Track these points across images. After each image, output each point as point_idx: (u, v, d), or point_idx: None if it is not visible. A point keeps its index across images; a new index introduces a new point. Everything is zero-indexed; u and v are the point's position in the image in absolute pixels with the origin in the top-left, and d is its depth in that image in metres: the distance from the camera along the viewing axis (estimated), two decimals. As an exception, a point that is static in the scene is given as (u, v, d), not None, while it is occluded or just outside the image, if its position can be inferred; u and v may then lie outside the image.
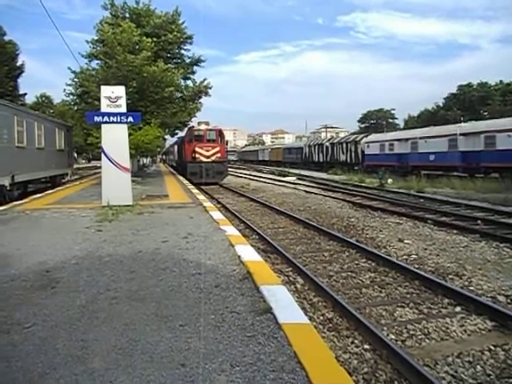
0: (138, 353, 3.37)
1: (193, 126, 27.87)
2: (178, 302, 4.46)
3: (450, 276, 6.72)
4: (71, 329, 3.82)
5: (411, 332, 4.72)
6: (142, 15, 24.89)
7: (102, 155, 12.15)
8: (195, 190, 17.94)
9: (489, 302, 5.33)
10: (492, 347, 4.29)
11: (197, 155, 25.60)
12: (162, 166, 58.49)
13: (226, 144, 28.28)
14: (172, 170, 41.55)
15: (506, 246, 8.63)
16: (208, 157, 25.71)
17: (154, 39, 23.79)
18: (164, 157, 78.79)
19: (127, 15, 25.34)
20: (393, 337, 4.60)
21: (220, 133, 26.97)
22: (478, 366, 3.95)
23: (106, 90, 12.32)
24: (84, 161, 74.76)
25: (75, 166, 37.25)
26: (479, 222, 11.45)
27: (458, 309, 5.32)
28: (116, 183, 11.91)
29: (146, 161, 56.61)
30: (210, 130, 26.69)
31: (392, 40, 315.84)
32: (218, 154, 26.08)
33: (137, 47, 22.58)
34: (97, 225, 9.19)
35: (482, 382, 3.70)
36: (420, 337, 4.61)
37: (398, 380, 3.75)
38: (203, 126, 26.70)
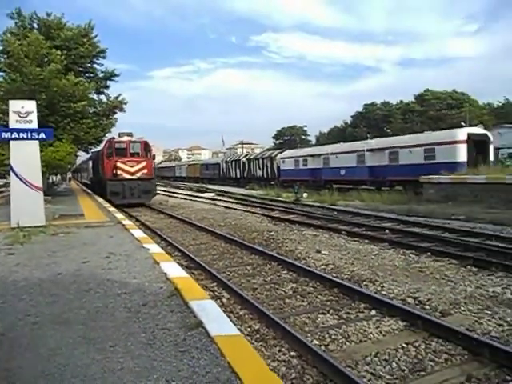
0: (69, 377, 3.28)
1: (113, 138, 24.22)
2: (106, 323, 4.38)
3: (365, 282, 7.22)
4: (-9, 358, 3.61)
5: (333, 336, 5.03)
6: (52, 27, 23.83)
7: (11, 173, 11.44)
8: (112, 208, 17.39)
9: (399, 305, 5.84)
10: (404, 345, 4.72)
11: (119, 171, 22.29)
12: (73, 184, 55.71)
13: (154, 158, 24.97)
14: (85, 188, 39.68)
15: (412, 253, 9.43)
16: (132, 173, 22.60)
17: (65, 52, 22.88)
18: (74, 174, 74.96)
19: (35, 26, 24.15)
20: (316, 342, 4.88)
21: (146, 145, 23.90)
22: (394, 363, 4.33)
23: (15, 105, 11.63)
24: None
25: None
26: (387, 231, 12.36)
27: (373, 312, 5.76)
28: (27, 203, 11.24)
29: (56, 179, 53.60)
30: (134, 142, 23.53)
31: (303, 60, 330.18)
32: (145, 170, 22.99)
33: (45, 60, 21.58)
34: (7, 248, 8.63)
35: (398, 377, 4.07)
36: (341, 340, 4.93)
37: (324, 382, 4.00)
38: (126, 138, 23.41)
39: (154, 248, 8.45)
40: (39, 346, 3.85)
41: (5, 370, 3.40)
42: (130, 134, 23.82)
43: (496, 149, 32.04)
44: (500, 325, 5.24)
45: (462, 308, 5.87)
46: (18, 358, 3.63)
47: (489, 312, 5.68)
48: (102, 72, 27.43)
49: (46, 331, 4.21)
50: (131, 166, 22.68)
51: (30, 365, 3.49)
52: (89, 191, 32.62)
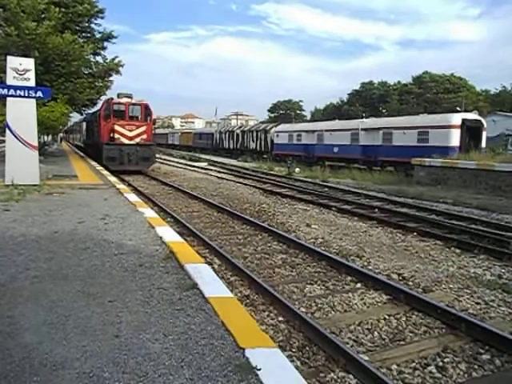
0: (71, 327, 3.46)
1: (111, 98, 22.57)
2: (104, 280, 4.56)
3: (352, 257, 7.47)
4: (-5, 306, 3.78)
5: (319, 305, 5.28)
6: (50, -18, 23.19)
7: (7, 131, 11.40)
8: (105, 172, 17.43)
9: (384, 279, 6.10)
10: (387, 316, 4.98)
11: (116, 135, 20.84)
12: (64, 146, 55.26)
13: (154, 123, 23.31)
14: (78, 150, 39.38)
15: (399, 232, 9.70)
16: (131, 138, 21.17)
17: (63, 9, 22.37)
18: (66, 135, 73.99)
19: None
20: (303, 310, 5.12)
21: (146, 109, 22.20)
22: (376, 332, 4.59)
23: (12, 61, 11.48)
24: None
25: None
26: (376, 210, 12.61)
27: (358, 285, 6.01)
28: (22, 161, 11.27)
29: (47, 139, 53.07)
30: (134, 104, 21.90)
31: (302, 33, 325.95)
32: (144, 136, 21.59)
33: (42, 16, 21.10)
34: (2, 204, 8.72)
35: (379, 345, 4.33)
36: (327, 309, 5.18)
37: (309, 346, 4.25)
38: (125, 99, 21.82)
39: (149, 212, 8.60)
40: (40, 298, 4.02)
41: (8, 317, 3.57)
42: (129, 96, 22.30)
43: (506, 136, 32.32)
44: (478, 303, 5.52)
45: (444, 286, 6.14)
46: (20, 307, 3.80)
47: (468, 291, 5.96)
48: (100, 33, 26.97)
49: (46, 285, 4.37)
50: (130, 130, 21.32)
51: (32, 314, 3.67)
52: (81, 154, 32.41)
